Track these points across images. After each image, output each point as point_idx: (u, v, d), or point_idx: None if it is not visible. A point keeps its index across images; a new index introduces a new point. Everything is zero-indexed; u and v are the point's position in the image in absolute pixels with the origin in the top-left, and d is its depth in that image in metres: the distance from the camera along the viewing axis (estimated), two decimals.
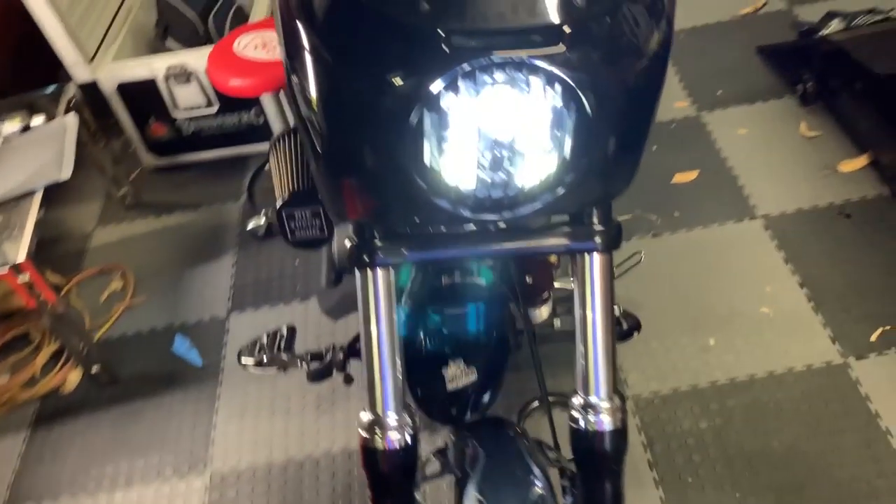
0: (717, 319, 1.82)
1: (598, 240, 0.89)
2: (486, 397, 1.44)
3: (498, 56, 0.70)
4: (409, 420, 0.94)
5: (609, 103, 0.74)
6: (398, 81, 0.71)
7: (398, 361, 0.92)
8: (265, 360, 1.47)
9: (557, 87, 0.72)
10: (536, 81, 0.71)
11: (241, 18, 2.57)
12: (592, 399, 0.94)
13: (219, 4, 2.51)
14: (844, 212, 2.01)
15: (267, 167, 2.41)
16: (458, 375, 1.38)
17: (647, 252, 1.75)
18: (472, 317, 1.36)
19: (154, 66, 2.30)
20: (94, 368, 1.92)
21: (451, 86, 0.71)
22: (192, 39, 2.45)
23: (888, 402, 1.62)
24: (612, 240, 0.90)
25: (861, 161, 2.11)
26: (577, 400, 0.95)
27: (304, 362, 1.44)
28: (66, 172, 1.85)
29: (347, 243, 0.91)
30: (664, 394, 1.70)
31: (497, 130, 0.73)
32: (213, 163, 2.52)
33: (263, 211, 2.22)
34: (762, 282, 1.88)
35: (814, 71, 2.28)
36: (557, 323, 1.48)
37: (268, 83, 1.89)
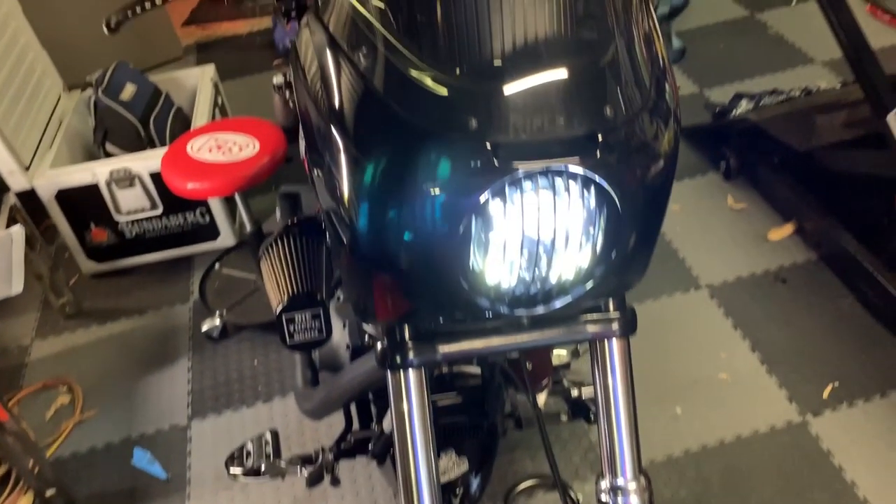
0: (680, 388, 1.89)
1: (616, 326, 0.94)
2: (477, 486, 1.44)
3: (542, 166, 0.75)
4: None
5: (634, 200, 0.80)
6: (447, 193, 0.75)
7: (433, 465, 0.93)
8: (260, 469, 1.43)
9: (592, 188, 0.78)
10: (574, 185, 0.77)
11: (182, 121, 2.57)
12: (619, 481, 0.97)
13: (158, 108, 2.51)
14: (780, 277, 2.15)
15: (217, 267, 2.39)
16: (449, 468, 1.39)
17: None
18: (466, 405, 1.37)
19: (97, 172, 2.26)
20: (49, 492, 1.80)
21: (499, 194, 0.76)
22: (134, 144, 2.42)
23: (848, 455, 1.71)
24: (630, 325, 0.95)
25: (787, 229, 2.28)
26: (604, 483, 0.98)
27: (299, 468, 1.42)
28: (16, 287, 1.78)
29: (378, 345, 0.93)
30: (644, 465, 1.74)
31: (537, 231, 0.78)
32: (157, 265, 2.46)
33: (218, 312, 2.18)
34: (716, 348, 1.98)
35: (733, 148, 2.47)
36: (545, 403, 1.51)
37: (227, 185, 1.89)
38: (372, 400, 1.56)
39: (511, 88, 0.74)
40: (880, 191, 2.12)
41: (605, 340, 0.95)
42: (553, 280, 0.83)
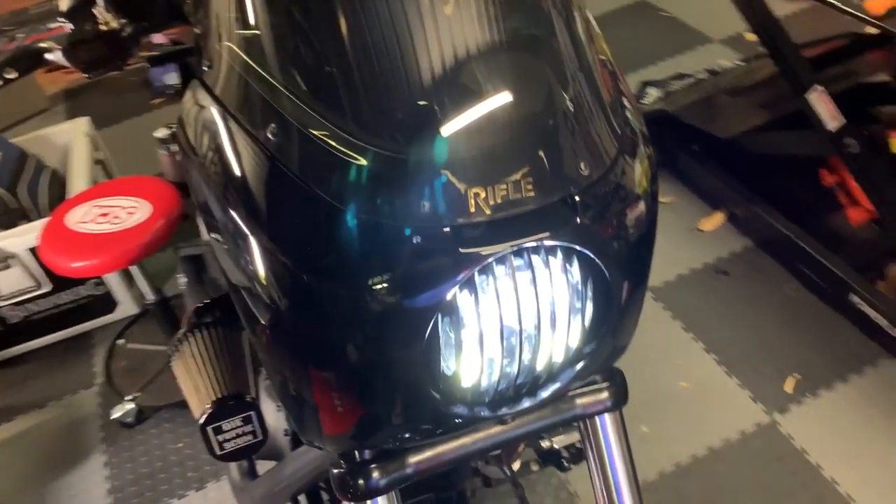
0: (642, 405, 1.79)
1: (607, 398, 0.82)
2: None
3: (514, 245, 0.60)
4: None
5: (619, 260, 0.67)
6: (403, 294, 0.60)
7: None
8: None
9: (573, 258, 0.64)
10: (553, 259, 0.63)
11: (59, 184, 2.30)
12: None
13: (28, 174, 2.23)
14: (720, 269, 2.09)
15: (121, 342, 2.15)
16: None
17: None
18: (432, 481, 1.23)
19: None
20: None
21: (467, 285, 0.61)
22: (3, 219, 2.15)
23: (823, 451, 1.65)
24: (622, 394, 0.83)
25: (718, 218, 2.22)
26: None
27: None
28: None
29: (333, 470, 0.77)
30: None
31: (518, 317, 0.64)
32: (51, 348, 2.19)
33: (131, 396, 1.94)
34: (671, 356, 1.89)
35: (652, 140, 2.40)
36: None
37: (121, 258, 1.67)
38: (325, 489, 1.39)
39: (466, 158, 0.60)
40: (805, 169, 2.10)
41: (597, 417, 0.82)
42: (539, 368, 0.69)
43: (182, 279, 1.74)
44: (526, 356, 0.66)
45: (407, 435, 0.71)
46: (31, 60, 0.92)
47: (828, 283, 1.90)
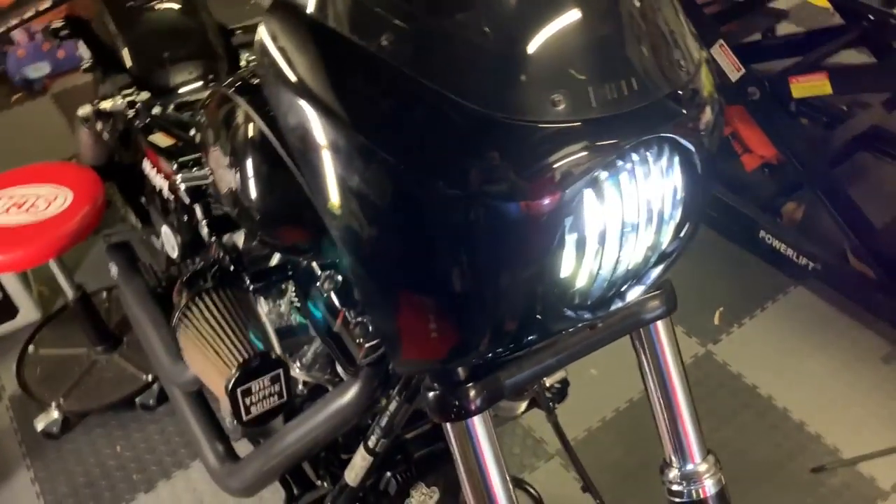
0: None
1: (660, 305, 0.86)
2: None
3: (639, 140, 0.63)
4: None
5: (709, 159, 0.71)
6: (540, 196, 0.61)
7: None
8: None
9: (676, 154, 0.68)
10: (662, 153, 0.66)
11: None
12: (689, 467, 0.90)
13: None
14: None
15: (32, 349, 1.96)
16: (423, 502, 1.24)
17: None
18: (438, 431, 1.23)
19: None
20: None
21: (593, 183, 0.63)
22: None
23: (756, 373, 1.80)
24: (672, 299, 0.87)
25: None
26: (672, 473, 0.90)
27: None
28: None
29: (430, 395, 0.76)
30: (585, 437, 1.70)
31: (633, 215, 0.66)
32: None
33: (54, 403, 1.79)
34: None
35: None
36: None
37: (46, 250, 1.54)
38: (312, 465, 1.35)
39: (587, 58, 0.62)
40: None
41: (651, 324, 0.86)
42: (631, 268, 0.72)
43: (114, 268, 1.62)
44: (627, 255, 0.69)
45: (513, 344, 0.72)
46: None
47: (737, 223, 2.06)
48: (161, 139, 1.37)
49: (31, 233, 1.53)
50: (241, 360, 0.96)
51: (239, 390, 0.96)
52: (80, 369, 1.87)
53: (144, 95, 1.47)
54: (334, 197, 0.65)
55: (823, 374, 1.78)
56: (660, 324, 0.87)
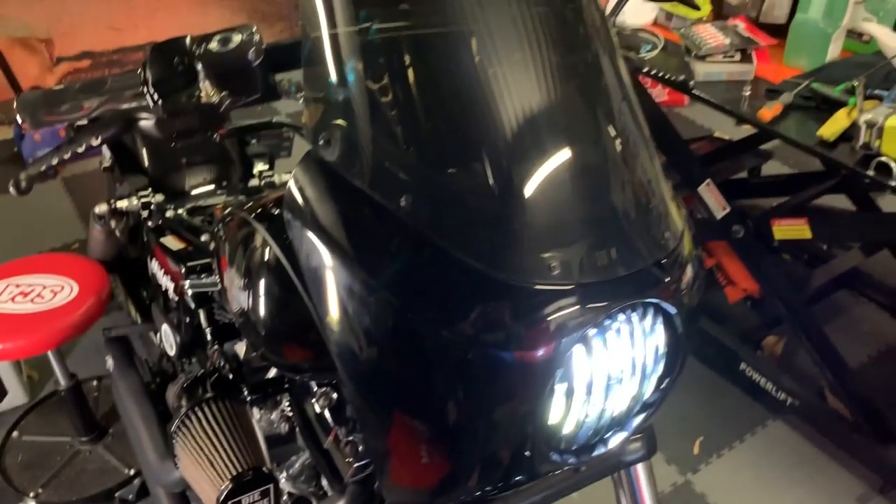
0: None
1: (642, 447, 0.90)
2: None
3: (630, 301, 0.70)
4: None
5: (689, 320, 0.77)
6: (536, 349, 0.67)
7: None
8: None
9: (659, 315, 0.74)
10: (646, 315, 0.73)
11: None
12: None
13: None
14: None
15: (16, 434, 1.96)
16: None
17: None
18: None
19: None
20: None
21: (583, 340, 0.69)
22: None
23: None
24: (653, 444, 0.92)
25: None
26: None
27: None
28: None
29: None
30: None
31: (617, 370, 0.72)
32: None
33: (32, 494, 1.78)
34: None
35: None
36: None
37: (49, 339, 1.58)
38: None
39: (584, 230, 0.69)
40: None
41: (631, 468, 0.91)
42: (614, 416, 0.77)
43: (110, 361, 1.66)
44: (611, 405, 0.74)
45: (500, 483, 0.76)
46: (120, 125, 0.90)
47: (718, 353, 2.12)
48: (171, 242, 1.43)
49: (34, 322, 1.57)
50: (234, 473, 1.00)
51: (230, 503, 0.99)
52: (61, 459, 1.87)
53: (159, 198, 1.54)
54: (341, 328, 0.70)
55: None
56: (640, 469, 0.92)
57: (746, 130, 2.53)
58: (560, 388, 0.70)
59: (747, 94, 1.78)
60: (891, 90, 1.60)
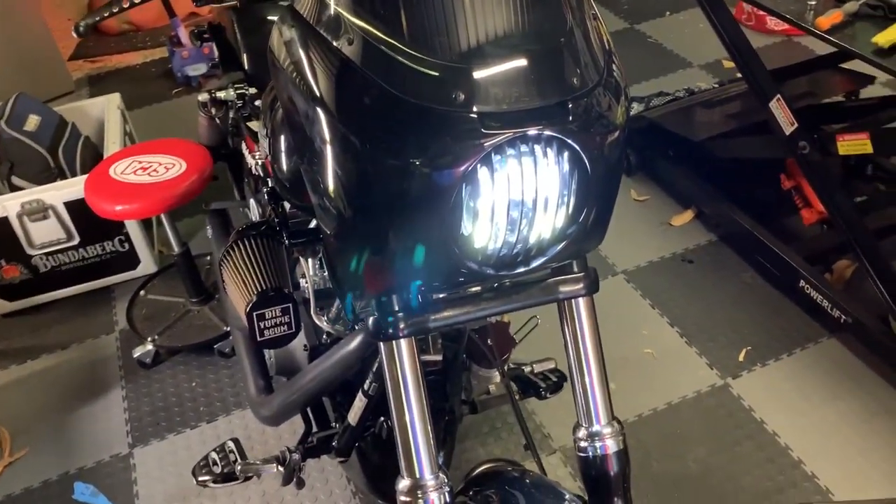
0: (612, 366, 1.97)
1: (582, 286, 1.03)
2: None
3: (525, 130, 0.83)
4: (445, 479, 1.00)
5: (598, 163, 0.89)
6: (439, 164, 0.82)
7: (429, 427, 0.98)
8: (234, 473, 1.44)
9: (565, 153, 0.87)
10: (550, 150, 0.86)
11: (91, 150, 2.52)
12: (595, 428, 1.05)
13: (66, 138, 2.45)
14: (686, 258, 2.33)
15: (143, 293, 2.34)
16: None
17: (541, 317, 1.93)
18: (429, 392, 1.43)
19: (6, 205, 2.18)
20: None
21: (486, 161, 0.84)
22: (43, 175, 2.35)
23: (768, 409, 1.88)
24: (594, 284, 1.04)
25: (688, 215, 2.47)
26: (581, 432, 1.06)
27: (275, 465, 1.43)
28: None
29: (370, 319, 0.98)
30: None
31: (521, 194, 0.86)
32: (75, 299, 2.39)
33: (150, 338, 2.14)
34: (639, 327, 2.12)
35: (631, 146, 2.66)
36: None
37: (158, 204, 1.89)
38: (330, 400, 1.60)
39: (490, 67, 0.83)
40: (768, 171, 2.35)
41: (574, 300, 1.04)
42: (532, 241, 0.91)
43: (210, 231, 1.95)
44: (524, 228, 0.89)
45: (433, 284, 0.93)
46: None
47: (781, 271, 2.14)
48: (256, 125, 1.68)
49: (149, 190, 1.89)
50: (259, 289, 1.23)
51: (255, 314, 1.22)
52: (175, 314, 2.23)
53: (252, 90, 1.79)
54: (310, 161, 0.89)
55: (835, 420, 1.84)
56: (582, 303, 1.04)
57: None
58: (467, 204, 0.85)
59: (812, 2, 1.77)
60: None
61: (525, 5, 0.86)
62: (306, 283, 1.34)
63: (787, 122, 2.00)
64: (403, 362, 0.97)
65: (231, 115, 1.89)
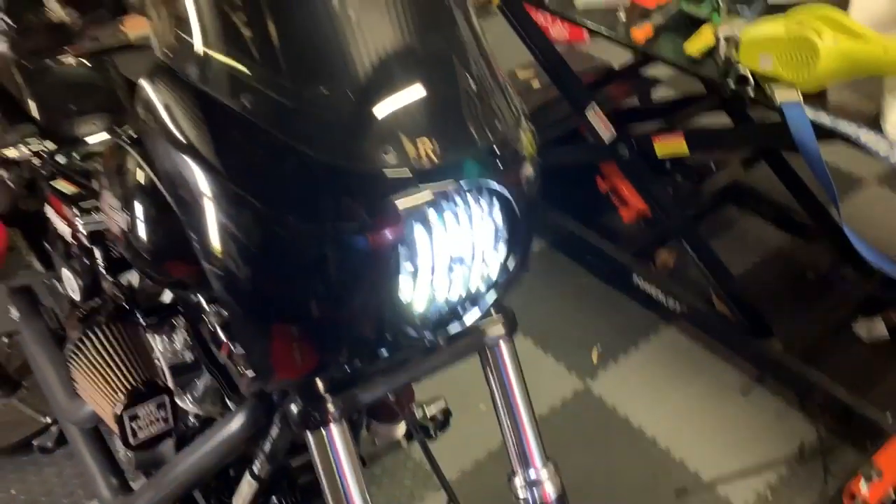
0: (476, 386, 1.98)
1: (503, 329, 0.99)
2: None
3: (459, 184, 0.77)
4: None
5: (524, 203, 0.86)
6: (368, 228, 0.74)
7: None
8: None
9: (495, 198, 0.82)
10: (482, 197, 0.80)
11: None
12: (532, 473, 1.02)
13: None
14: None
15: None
16: None
17: None
18: None
19: None
20: None
21: (421, 218, 0.76)
22: None
23: (629, 405, 1.96)
24: (513, 322, 1.01)
25: None
26: (518, 480, 1.02)
27: None
28: None
29: (293, 406, 0.86)
30: (472, 468, 1.81)
31: (459, 248, 0.80)
32: None
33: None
34: None
35: None
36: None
37: None
38: (200, 490, 1.42)
39: (414, 117, 0.76)
40: (584, 175, 2.46)
41: (494, 346, 1.00)
42: (465, 294, 0.85)
43: (14, 312, 1.67)
44: (462, 282, 0.82)
45: (366, 358, 0.84)
46: None
47: (613, 269, 2.25)
48: (65, 186, 1.45)
49: None
50: (129, 387, 1.05)
51: (126, 415, 1.05)
52: None
53: (50, 145, 1.55)
54: (203, 233, 0.76)
55: (689, 405, 1.96)
56: (503, 346, 1.00)
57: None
58: (407, 267, 0.77)
59: (623, 18, 1.87)
60: (751, 5, 1.71)
61: (443, 61, 0.80)
62: (156, 360, 1.18)
63: (604, 129, 2.09)
64: (337, 450, 0.87)
65: (25, 175, 1.63)
